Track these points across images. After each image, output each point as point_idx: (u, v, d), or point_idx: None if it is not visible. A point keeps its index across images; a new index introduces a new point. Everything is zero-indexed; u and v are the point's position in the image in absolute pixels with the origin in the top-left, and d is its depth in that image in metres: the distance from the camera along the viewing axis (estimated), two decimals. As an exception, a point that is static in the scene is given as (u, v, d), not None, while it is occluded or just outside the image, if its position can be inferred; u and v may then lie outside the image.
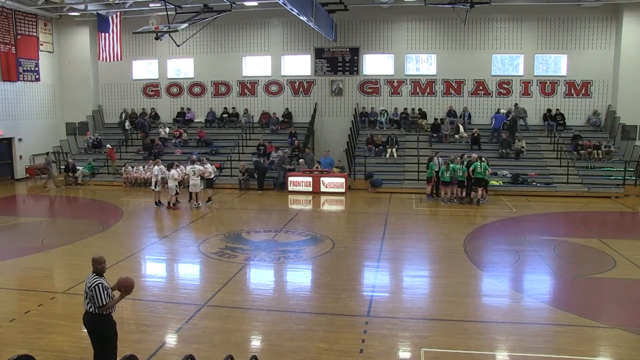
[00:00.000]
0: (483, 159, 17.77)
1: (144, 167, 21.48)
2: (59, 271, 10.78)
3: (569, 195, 18.86)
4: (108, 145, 23.60)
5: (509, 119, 22.29)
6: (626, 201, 18.26)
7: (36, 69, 24.25)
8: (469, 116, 23.44)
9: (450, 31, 23.35)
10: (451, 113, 23.38)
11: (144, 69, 26.57)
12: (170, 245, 12.78)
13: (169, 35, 18.82)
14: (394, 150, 21.92)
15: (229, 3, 19.28)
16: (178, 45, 20.97)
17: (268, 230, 14.21)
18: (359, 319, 7.93)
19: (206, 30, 23.08)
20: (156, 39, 18.34)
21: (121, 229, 14.43)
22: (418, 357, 6.68)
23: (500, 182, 19.88)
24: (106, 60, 23.36)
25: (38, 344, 6.87)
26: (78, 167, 22.35)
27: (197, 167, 16.93)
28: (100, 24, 22.52)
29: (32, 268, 10.55)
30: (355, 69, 24.30)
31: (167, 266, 11.36)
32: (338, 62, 24.39)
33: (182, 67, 26.30)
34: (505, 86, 23.47)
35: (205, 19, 19.63)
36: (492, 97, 23.57)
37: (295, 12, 14.92)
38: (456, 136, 22.68)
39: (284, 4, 13.73)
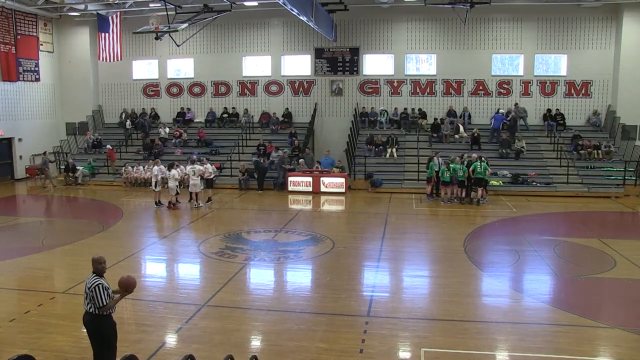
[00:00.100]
0: (483, 159, 17.78)
1: (144, 167, 21.48)
2: (59, 271, 10.78)
3: (569, 195, 18.86)
4: (108, 146, 23.60)
5: (508, 119, 22.29)
6: (626, 201, 18.26)
7: (36, 69, 24.25)
8: (469, 116, 23.44)
9: (450, 31, 23.36)
10: (451, 113, 23.38)
11: (144, 69, 26.57)
12: (170, 245, 12.78)
13: (169, 35, 18.82)
14: (394, 150, 21.92)
15: (229, 3, 19.28)
16: (178, 45, 20.97)
17: (268, 230, 14.21)
18: (359, 319, 7.93)
19: (206, 30, 23.08)
20: (156, 39, 18.34)
21: (121, 229, 14.43)
22: (418, 357, 6.68)
23: (500, 182, 19.88)
24: (106, 60, 23.37)
25: (38, 344, 6.87)
26: (78, 167, 22.35)
27: (197, 167, 16.93)
28: (100, 24, 22.52)
29: (32, 268, 10.55)
30: (355, 69, 24.30)
31: (167, 266, 11.36)
32: (338, 62, 24.39)
33: (182, 67, 26.30)
34: (505, 86, 23.47)
35: (205, 19, 19.63)
36: (492, 97, 23.58)
37: (295, 12, 14.92)
38: (456, 136, 22.68)
39: (284, 4, 13.73)
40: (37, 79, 24.40)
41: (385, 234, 13.58)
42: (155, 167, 17.26)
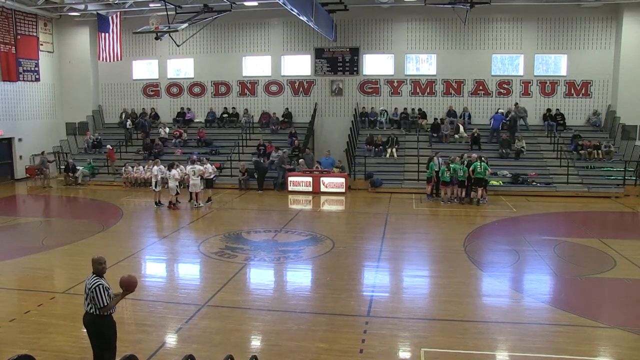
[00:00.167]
0: (483, 159, 17.78)
1: (144, 167, 21.48)
2: (59, 271, 10.78)
3: (569, 195, 18.86)
4: (108, 146, 23.60)
5: (507, 119, 22.29)
6: (626, 201, 18.26)
7: (36, 69, 24.25)
8: (469, 116, 23.44)
9: (450, 31, 23.36)
10: (451, 113, 23.38)
11: (144, 69, 26.57)
12: (171, 245, 12.78)
13: (169, 35, 18.82)
14: (394, 150, 21.92)
15: (229, 3, 19.28)
16: (178, 45, 20.97)
17: (268, 230, 14.21)
18: (359, 319, 7.93)
19: (206, 30, 23.08)
20: (156, 39, 18.33)
21: (121, 229, 14.43)
22: (418, 357, 6.68)
23: (500, 182, 19.88)
24: (106, 60, 23.37)
25: (38, 344, 6.87)
26: (78, 167, 22.35)
27: (197, 167, 16.93)
28: (100, 24, 22.52)
29: (32, 268, 10.56)
30: (355, 69, 24.30)
31: (167, 266, 11.36)
32: (338, 62, 24.39)
33: (182, 67, 26.30)
34: (505, 86, 23.47)
35: (205, 19, 19.63)
36: (492, 97, 23.58)
37: (295, 12, 14.92)
38: (456, 136, 22.69)
39: (284, 4, 13.73)
40: (37, 79, 24.40)
41: (385, 234, 13.58)
42: (155, 167, 17.26)
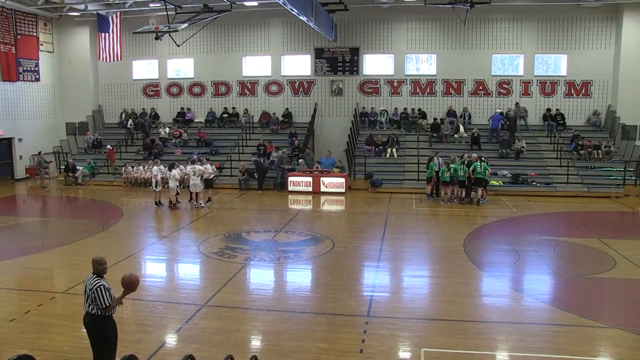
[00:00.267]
0: (483, 158, 17.78)
1: (144, 167, 21.48)
2: (59, 271, 10.78)
3: (569, 195, 18.86)
4: (108, 146, 23.60)
5: (507, 119, 22.28)
6: (626, 201, 18.26)
7: (36, 69, 24.25)
8: (469, 116, 23.44)
9: (450, 31, 23.36)
10: (451, 113, 23.38)
11: (144, 69, 26.57)
12: (170, 245, 12.78)
13: (169, 35, 18.82)
14: (394, 150, 21.92)
15: (229, 3, 19.28)
16: (178, 45, 20.97)
17: (268, 230, 14.21)
18: (359, 319, 7.93)
19: (206, 30, 23.08)
20: (156, 39, 18.33)
21: (121, 229, 14.43)
22: (418, 357, 6.68)
23: (500, 182, 19.88)
24: (106, 60, 23.38)
25: (38, 344, 6.87)
26: (78, 167, 22.35)
27: (198, 167, 16.93)
28: (100, 24, 22.53)
29: (32, 268, 10.56)
30: (355, 69, 24.30)
31: (167, 266, 11.36)
32: (338, 62, 24.39)
33: (182, 67, 26.30)
34: (505, 86, 23.47)
35: (205, 19, 19.62)
36: (492, 97, 23.58)
37: (295, 12, 14.92)
38: (456, 136, 22.69)
39: (284, 4, 13.73)
40: (37, 79, 24.40)
41: (385, 234, 13.58)
42: (155, 167, 17.27)
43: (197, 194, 16.91)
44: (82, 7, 23.19)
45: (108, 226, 14.44)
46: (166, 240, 13.27)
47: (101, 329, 5.58)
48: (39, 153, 22.17)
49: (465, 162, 17.84)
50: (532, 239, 12.69)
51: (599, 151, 20.87)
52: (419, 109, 23.88)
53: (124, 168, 21.81)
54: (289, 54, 24.98)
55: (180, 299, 8.84)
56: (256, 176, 20.73)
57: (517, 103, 22.91)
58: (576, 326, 7.57)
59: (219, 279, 9.80)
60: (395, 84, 24.17)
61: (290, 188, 20.20)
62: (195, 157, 18.74)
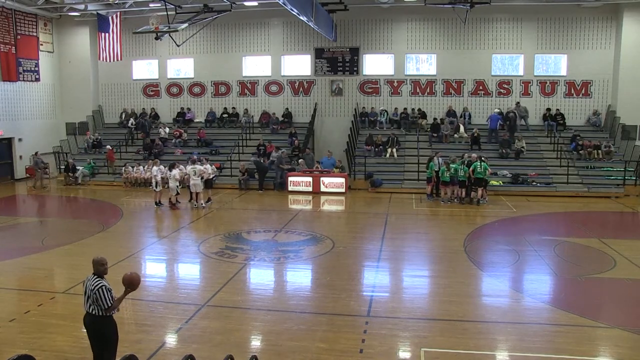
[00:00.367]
0: (483, 158, 17.78)
1: (144, 167, 21.48)
2: (59, 271, 10.77)
3: (569, 195, 18.86)
4: (108, 146, 23.60)
5: (506, 119, 22.29)
6: (626, 201, 18.26)
7: (36, 69, 24.26)
8: (469, 116, 23.44)
9: (450, 31, 23.36)
10: (451, 113, 23.38)
11: (144, 69, 26.57)
12: (170, 245, 12.78)
13: (169, 35, 18.82)
14: (394, 150, 21.92)
15: (229, 3, 19.28)
16: (178, 45, 20.97)
17: (268, 230, 14.21)
18: (359, 319, 7.93)
19: (206, 30, 23.08)
20: (156, 39, 18.34)
21: (121, 229, 14.43)
22: (418, 357, 6.68)
23: (500, 182, 19.88)
24: (106, 60, 23.39)
25: (38, 344, 6.87)
26: (78, 167, 22.35)
27: (198, 167, 16.93)
28: (100, 24, 22.53)
29: (32, 268, 10.56)
30: (355, 69, 24.30)
31: (167, 266, 11.36)
32: (338, 62, 24.39)
33: (182, 67, 26.30)
34: (505, 86, 23.47)
35: (205, 19, 19.63)
36: (492, 97, 23.58)
37: (295, 12, 14.92)
38: (455, 136, 22.69)
39: (284, 4, 13.73)
40: (37, 79, 24.40)
41: (385, 234, 13.58)
42: (155, 167, 17.27)
43: (197, 194, 16.90)
44: (82, 7, 23.19)
45: (108, 226, 14.44)
46: (166, 240, 13.27)
47: (101, 329, 5.59)
48: (36, 153, 22.10)
49: (465, 162, 17.84)
50: (532, 239, 12.69)
51: (599, 151, 20.87)
52: (419, 109, 23.89)
53: (124, 168, 21.81)
54: (289, 54, 24.98)
55: (180, 299, 8.84)
56: (256, 176, 20.73)
57: (518, 102, 22.92)
58: (576, 326, 7.57)
59: (219, 279, 9.80)
60: (395, 84, 24.17)
61: (290, 188, 20.20)
62: (195, 157, 18.75)
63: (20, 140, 23.65)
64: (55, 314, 8.01)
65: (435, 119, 23.30)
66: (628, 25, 21.55)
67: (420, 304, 8.69)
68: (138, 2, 22.73)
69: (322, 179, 20.04)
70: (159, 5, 20.58)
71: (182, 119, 25.46)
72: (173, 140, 24.13)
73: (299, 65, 25.08)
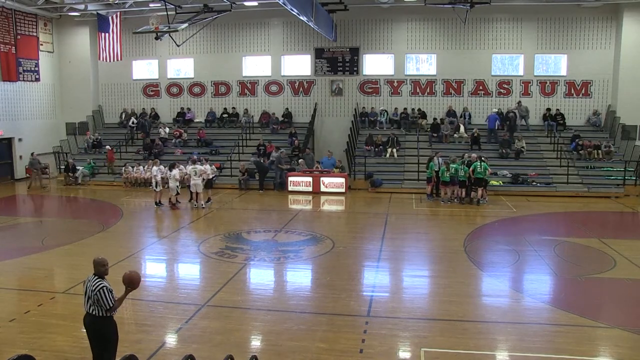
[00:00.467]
0: (483, 158, 17.78)
1: (144, 167, 21.48)
2: (59, 271, 10.77)
3: (569, 195, 18.86)
4: (107, 147, 23.60)
5: (506, 119, 22.29)
6: (626, 201, 18.26)
7: (36, 69, 24.26)
8: (469, 116, 23.44)
9: (450, 31, 23.36)
10: (451, 113, 23.38)
11: (144, 69, 26.57)
12: (170, 245, 12.78)
13: (169, 35, 18.82)
14: (394, 150, 21.92)
15: (229, 3, 19.28)
16: (178, 45, 20.97)
17: (268, 230, 14.21)
18: (359, 319, 7.93)
19: (206, 30, 23.08)
20: (156, 39, 18.33)
21: (121, 229, 14.43)
22: (418, 357, 6.68)
23: (500, 182, 19.88)
24: (106, 60, 23.39)
25: (38, 344, 6.87)
26: (78, 167, 22.35)
27: (199, 167, 16.93)
28: (100, 24, 22.53)
29: (32, 268, 10.56)
30: (355, 69, 24.30)
31: (167, 266, 11.36)
32: (338, 62, 24.39)
33: (182, 67, 26.30)
34: (505, 86, 23.47)
35: (205, 19, 19.63)
36: (492, 97, 23.58)
37: (295, 12, 14.92)
38: (455, 136, 22.69)
39: (284, 4, 13.73)
40: (37, 79, 24.40)
41: (385, 234, 13.57)
42: (155, 167, 17.27)
43: (197, 194, 16.90)
44: (82, 7, 23.19)
45: (108, 226, 14.44)
46: (166, 240, 13.27)
47: (101, 329, 5.59)
48: (32, 154, 22.04)
49: (465, 162, 17.84)
50: (532, 239, 12.69)
51: (599, 151, 20.87)
52: (419, 109, 23.89)
53: (124, 168, 21.81)
54: (289, 54, 24.98)
55: (180, 299, 8.84)
56: (257, 177, 20.73)
57: (519, 102, 22.92)
58: (576, 326, 7.57)
59: (219, 279, 9.80)
60: (395, 84, 24.17)
61: (290, 188, 20.20)
62: (195, 157, 18.76)
63: (20, 140, 23.65)
64: (55, 314, 8.01)
65: (435, 119, 23.30)
66: (628, 25, 21.55)
67: (420, 304, 8.69)
68: (138, 2, 22.73)
69: (322, 179, 20.05)
70: (159, 5, 20.58)
71: (182, 119, 25.46)
72: (173, 140, 24.13)
73: (299, 65, 25.08)
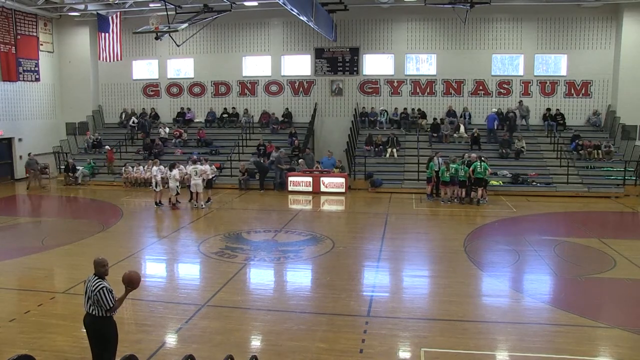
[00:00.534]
0: (483, 158, 17.78)
1: (144, 167, 21.48)
2: (59, 271, 10.77)
3: (569, 195, 18.86)
4: (107, 147, 23.59)
5: (505, 119, 22.27)
6: (626, 201, 18.26)
7: (36, 69, 24.25)
8: (469, 116, 23.44)
9: (450, 31, 23.36)
10: (451, 113, 23.38)
11: (144, 69, 26.57)
12: (170, 245, 12.78)
13: (169, 35, 18.82)
14: (394, 150, 21.92)
15: (229, 3, 19.28)
16: (178, 45, 20.97)
17: (268, 230, 14.21)
18: (359, 319, 7.93)
19: (206, 30, 23.08)
20: (156, 39, 18.34)
21: (121, 229, 14.43)
22: (418, 357, 6.68)
23: (500, 182, 19.88)
24: (106, 60, 23.39)
25: (38, 344, 6.87)
26: (78, 167, 22.35)
27: (199, 167, 16.93)
28: (100, 24, 22.53)
29: (32, 268, 10.56)
30: (355, 69, 24.30)
31: (167, 266, 11.36)
32: (338, 62, 24.39)
33: (182, 67, 26.30)
34: (505, 86, 23.47)
35: (205, 19, 19.63)
36: (492, 97, 23.58)
37: (295, 12, 14.92)
38: (455, 135, 22.69)
39: (284, 4, 13.73)
40: (37, 79, 24.40)
41: (385, 234, 13.57)
42: (155, 167, 17.27)
43: (197, 194, 16.90)
44: (82, 7, 23.19)
45: (108, 226, 14.44)
46: (166, 240, 13.27)
47: (101, 329, 5.59)
48: (29, 154, 22.00)
49: (465, 162, 17.84)
50: (532, 239, 12.69)
51: (599, 151, 20.87)
52: (419, 109, 23.88)
53: (124, 168, 21.81)
54: (289, 54, 24.98)
55: (180, 299, 8.84)
56: (257, 177, 20.73)
57: (521, 101, 22.92)
58: (576, 326, 7.57)
59: (219, 279, 9.80)
60: (395, 84, 24.17)
61: (290, 188, 20.20)
62: (195, 157, 18.76)
63: (20, 140, 23.65)
64: (55, 314, 8.01)
65: (435, 119, 23.30)
66: (628, 25, 21.55)
67: (420, 304, 8.69)
68: (138, 2, 22.73)
69: (322, 179, 20.04)
70: (159, 5, 20.58)
71: (182, 119, 25.45)
72: (173, 140, 24.13)
73: (299, 65, 25.08)
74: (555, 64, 23.56)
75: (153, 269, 11.20)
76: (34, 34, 23.95)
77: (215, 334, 7.30)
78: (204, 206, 16.89)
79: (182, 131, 24.40)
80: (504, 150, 21.44)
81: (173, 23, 17.70)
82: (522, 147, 21.51)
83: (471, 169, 17.33)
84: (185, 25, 18.15)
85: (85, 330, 5.75)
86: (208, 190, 17.56)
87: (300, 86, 24.92)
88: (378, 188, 20.21)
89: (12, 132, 23.31)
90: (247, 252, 11.71)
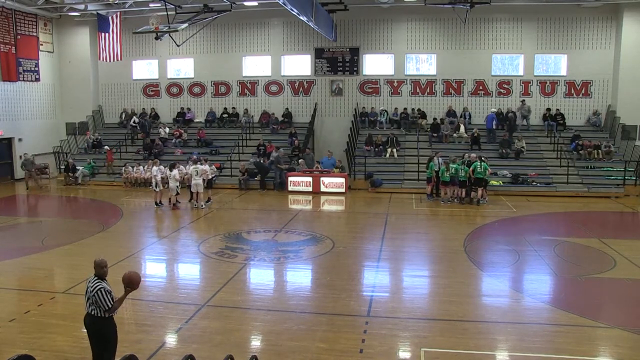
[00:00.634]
0: (483, 158, 17.79)
1: (144, 167, 21.48)
2: (59, 271, 10.77)
3: (569, 195, 18.86)
4: (106, 147, 23.59)
5: (505, 119, 22.27)
6: (626, 201, 18.26)
7: (36, 69, 24.25)
8: (469, 116, 23.44)
9: (450, 31, 23.36)
10: (451, 113, 23.38)
11: (144, 69, 26.57)
12: (170, 245, 12.78)
13: (169, 35, 18.82)
14: (394, 150, 21.92)
15: (229, 3, 19.28)
16: (178, 45, 20.97)
17: (268, 230, 14.21)
18: (359, 319, 7.93)
19: (206, 30, 23.08)
20: (156, 39, 18.34)
21: (121, 229, 14.43)
22: (418, 357, 6.68)
23: (500, 182, 19.88)
24: (106, 60, 23.39)
25: (38, 344, 6.87)
26: (78, 167, 22.36)
27: (200, 166, 16.94)
28: (100, 24, 22.53)
29: (32, 268, 10.56)
30: (355, 69, 24.30)
31: (167, 266, 11.36)
32: (338, 62, 24.39)
33: (182, 67, 26.30)
34: (505, 86, 23.47)
35: (205, 19, 19.63)
36: (492, 97, 23.58)
37: (295, 12, 14.92)
38: (455, 135, 22.69)
39: (284, 4, 13.73)
40: (37, 79, 24.40)
41: (385, 234, 13.57)
42: (155, 167, 17.27)
43: (197, 193, 16.90)
44: (82, 7, 23.19)
45: (108, 226, 14.44)
46: (166, 240, 13.27)
47: (101, 329, 5.59)
48: (25, 154, 21.90)
49: (465, 162, 17.84)
50: (532, 239, 12.69)
51: (599, 151, 20.87)
52: (419, 109, 23.88)
53: (124, 168, 21.81)
54: (289, 54, 24.98)
55: (180, 299, 8.84)
56: (257, 178, 20.73)
57: (523, 100, 22.91)
58: (576, 326, 7.57)
59: (219, 279, 9.80)
60: (395, 84, 24.17)
61: (290, 188, 20.20)
62: (195, 157, 18.76)
63: (20, 140, 23.64)
64: (55, 314, 8.01)
65: (435, 119, 23.30)
66: (628, 25, 21.54)
67: (420, 304, 8.69)
68: (138, 2, 22.73)
69: (322, 179, 20.05)
70: (159, 5, 20.58)
71: (182, 119, 25.45)
72: (173, 140, 24.13)
73: (299, 65, 25.08)
74: (555, 64, 23.56)
75: (153, 269, 11.21)
76: (34, 34, 23.95)
77: (215, 334, 7.30)
78: (204, 206, 16.89)
79: (182, 131, 24.40)
80: (504, 150, 21.44)
81: (173, 23, 17.71)
82: (522, 147, 21.51)
83: (471, 169, 17.33)
84: (185, 25, 18.15)
85: (85, 330, 5.75)
86: (208, 190, 17.56)
87: (300, 86, 24.92)
88: (378, 188, 20.21)
89: (12, 132, 23.31)
90: (247, 252, 11.71)
